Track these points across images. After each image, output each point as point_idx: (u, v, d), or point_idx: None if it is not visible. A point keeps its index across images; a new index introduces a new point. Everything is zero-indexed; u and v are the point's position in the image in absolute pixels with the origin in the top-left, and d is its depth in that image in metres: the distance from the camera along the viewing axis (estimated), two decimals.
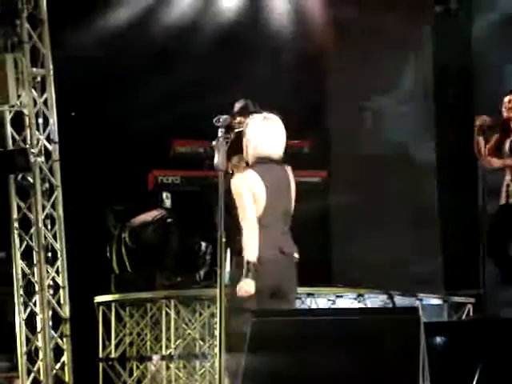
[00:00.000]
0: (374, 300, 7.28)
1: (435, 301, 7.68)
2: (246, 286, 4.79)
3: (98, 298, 7.57)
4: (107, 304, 7.52)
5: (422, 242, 8.89)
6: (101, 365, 7.50)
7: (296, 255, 4.94)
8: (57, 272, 7.26)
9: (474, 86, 8.53)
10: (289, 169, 5.07)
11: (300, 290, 6.79)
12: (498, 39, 8.18)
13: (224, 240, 5.04)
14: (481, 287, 6.44)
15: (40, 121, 7.32)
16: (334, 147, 9.27)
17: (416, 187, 8.98)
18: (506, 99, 6.59)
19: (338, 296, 7.10)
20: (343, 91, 8.99)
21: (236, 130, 6.97)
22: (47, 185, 7.28)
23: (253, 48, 8.83)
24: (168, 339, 7.21)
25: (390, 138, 8.98)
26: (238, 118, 7.02)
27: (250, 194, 4.87)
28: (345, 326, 4.52)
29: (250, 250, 4.81)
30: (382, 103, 8.95)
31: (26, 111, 7.23)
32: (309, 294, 6.96)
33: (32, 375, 7.13)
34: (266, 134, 4.99)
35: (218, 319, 5.38)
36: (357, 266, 8.62)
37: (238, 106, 7.24)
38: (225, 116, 5.17)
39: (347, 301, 7.20)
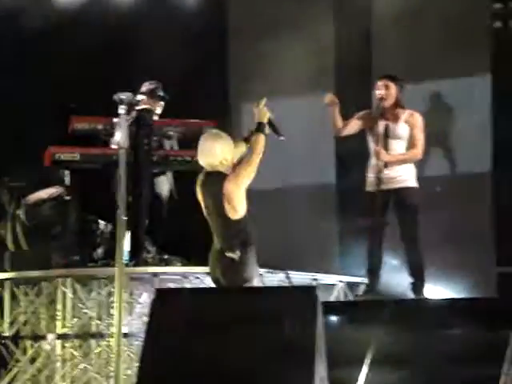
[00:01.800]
0: (271, 279, 7.34)
1: (331, 280, 7.80)
2: None
3: None
4: (1, 282, 7.38)
5: (320, 221, 8.99)
6: None
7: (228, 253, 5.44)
8: None
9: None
10: (226, 177, 5.48)
11: (198, 269, 6.83)
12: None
13: (125, 218, 5.00)
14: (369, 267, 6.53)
15: None
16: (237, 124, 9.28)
17: (315, 165, 9.06)
18: (380, 83, 6.52)
19: None
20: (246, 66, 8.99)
21: (137, 108, 6.92)
22: None
23: (153, 26, 8.77)
24: (64, 318, 7.12)
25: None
26: (140, 96, 6.97)
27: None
28: (242, 305, 4.54)
29: None
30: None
31: None
32: (208, 273, 6.97)
33: None
34: (199, 148, 5.60)
35: (115, 298, 5.34)
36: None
37: (146, 86, 7.18)
38: (126, 93, 5.13)
39: None
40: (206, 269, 6.93)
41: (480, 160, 7.97)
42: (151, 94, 7.14)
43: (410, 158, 6.46)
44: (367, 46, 8.51)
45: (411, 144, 6.45)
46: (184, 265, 6.99)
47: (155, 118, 7.28)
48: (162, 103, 7.33)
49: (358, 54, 8.48)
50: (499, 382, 5.39)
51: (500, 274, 7.69)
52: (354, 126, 6.55)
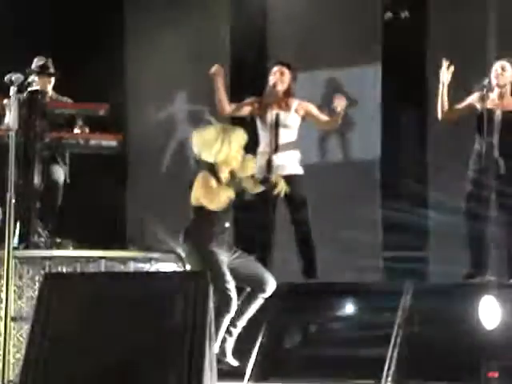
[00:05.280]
0: (167, 264, 7.32)
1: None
2: None
3: None
4: None
5: None
6: None
7: None
8: None
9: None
10: None
11: (92, 253, 6.78)
12: None
13: (14, 202, 4.92)
14: None
15: None
16: (130, 110, 9.23)
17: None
18: (275, 69, 6.59)
19: (130, 259, 7.07)
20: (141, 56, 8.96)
21: (29, 89, 6.80)
22: None
23: None
24: None
25: None
26: (32, 77, 6.85)
27: None
28: (135, 290, 4.55)
29: None
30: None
31: None
32: (101, 258, 6.91)
33: None
34: None
35: (4, 281, 5.27)
36: (151, 229, 8.64)
37: (35, 64, 7.06)
38: (17, 74, 5.05)
39: (140, 264, 7.20)
40: (99, 253, 6.90)
41: (371, 148, 8.15)
42: (41, 70, 7.01)
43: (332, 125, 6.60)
44: (263, 35, 8.57)
45: (321, 118, 6.55)
46: (76, 248, 6.92)
47: (48, 98, 7.16)
48: (52, 80, 7.20)
49: (254, 42, 8.54)
50: (385, 362, 5.59)
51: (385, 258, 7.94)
52: (242, 109, 6.60)
